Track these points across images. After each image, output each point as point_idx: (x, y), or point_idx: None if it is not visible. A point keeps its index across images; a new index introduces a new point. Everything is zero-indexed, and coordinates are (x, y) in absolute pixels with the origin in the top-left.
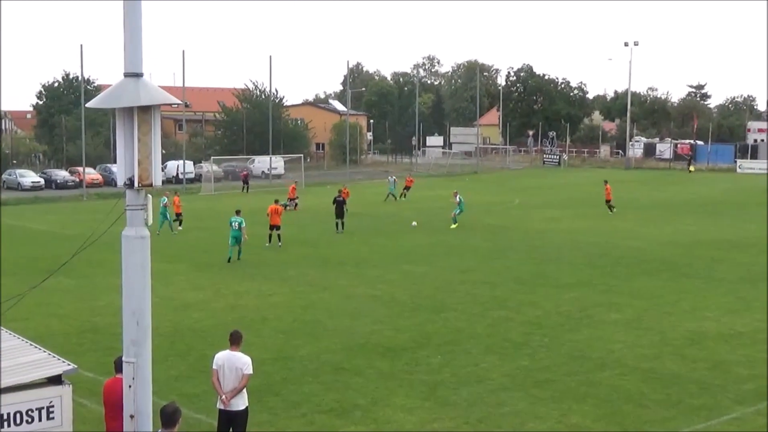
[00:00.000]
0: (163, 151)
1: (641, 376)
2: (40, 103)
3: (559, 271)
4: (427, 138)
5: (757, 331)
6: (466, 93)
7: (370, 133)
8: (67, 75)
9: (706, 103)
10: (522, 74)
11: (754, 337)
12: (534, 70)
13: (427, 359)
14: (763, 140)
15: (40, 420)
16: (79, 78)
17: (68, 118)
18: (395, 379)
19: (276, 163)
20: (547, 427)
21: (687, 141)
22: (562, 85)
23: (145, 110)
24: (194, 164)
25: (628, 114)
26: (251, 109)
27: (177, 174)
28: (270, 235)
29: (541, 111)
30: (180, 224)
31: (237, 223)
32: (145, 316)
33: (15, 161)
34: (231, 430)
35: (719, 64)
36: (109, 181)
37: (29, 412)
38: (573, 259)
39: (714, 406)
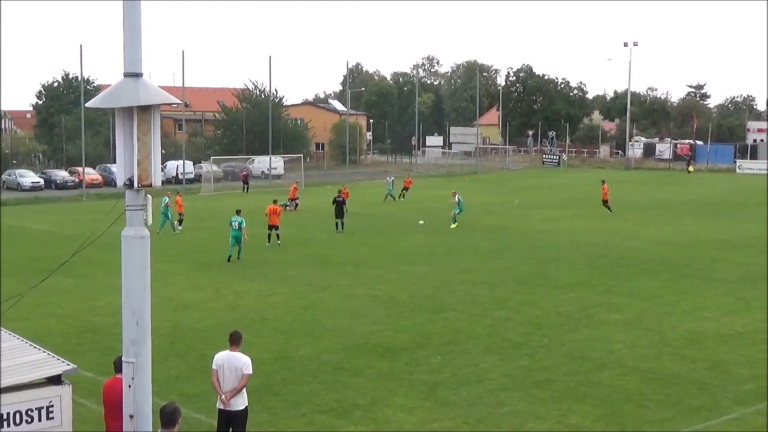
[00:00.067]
0: (163, 151)
1: (641, 376)
2: (40, 102)
3: (559, 271)
4: (427, 138)
5: (756, 331)
6: (465, 93)
7: (370, 133)
8: (67, 75)
9: (705, 103)
10: (521, 74)
11: (754, 337)
12: (534, 70)
13: (427, 359)
14: (762, 140)
15: (39, 420)
16: (79, 78)
17: (68, 118)
18: (395, 379)
19: (276, 163)
20: (547, 427)
21: (686, 141)
22: (562, 85)
23: (145, 110)
24: (194, 164)
25: (628, 114)
26: (251, 109)
27: (177, 174)
28: (269, 235)
29: (540, 111)
30: (180, 224)
31: (237, 223)
32: (144, 316)
33: (15, 161)
34: (231, 430)
35: (719, 64)
36: (108, 181)
37: (29, 412)
38: (572, 259)
39: (713, 407)
